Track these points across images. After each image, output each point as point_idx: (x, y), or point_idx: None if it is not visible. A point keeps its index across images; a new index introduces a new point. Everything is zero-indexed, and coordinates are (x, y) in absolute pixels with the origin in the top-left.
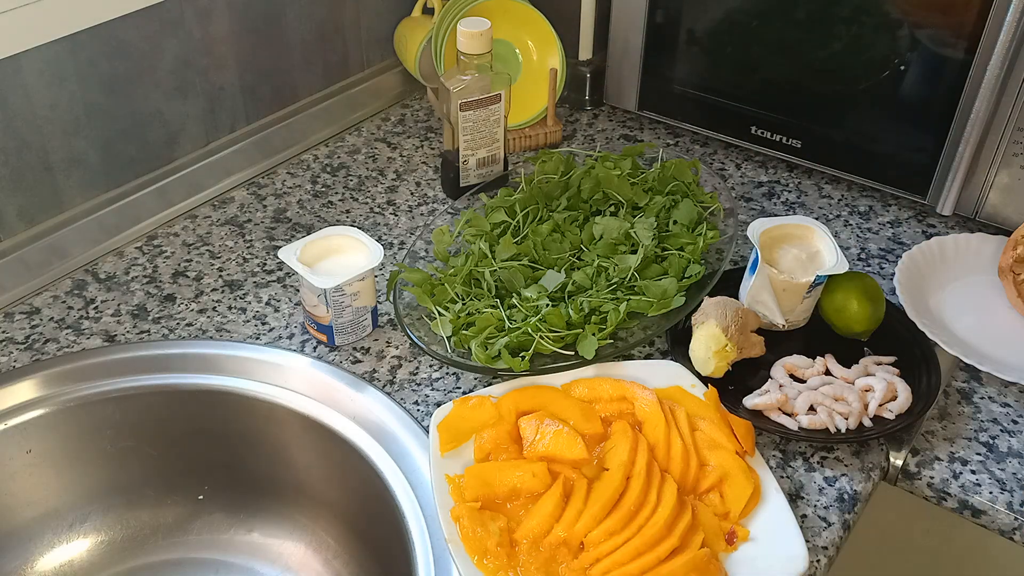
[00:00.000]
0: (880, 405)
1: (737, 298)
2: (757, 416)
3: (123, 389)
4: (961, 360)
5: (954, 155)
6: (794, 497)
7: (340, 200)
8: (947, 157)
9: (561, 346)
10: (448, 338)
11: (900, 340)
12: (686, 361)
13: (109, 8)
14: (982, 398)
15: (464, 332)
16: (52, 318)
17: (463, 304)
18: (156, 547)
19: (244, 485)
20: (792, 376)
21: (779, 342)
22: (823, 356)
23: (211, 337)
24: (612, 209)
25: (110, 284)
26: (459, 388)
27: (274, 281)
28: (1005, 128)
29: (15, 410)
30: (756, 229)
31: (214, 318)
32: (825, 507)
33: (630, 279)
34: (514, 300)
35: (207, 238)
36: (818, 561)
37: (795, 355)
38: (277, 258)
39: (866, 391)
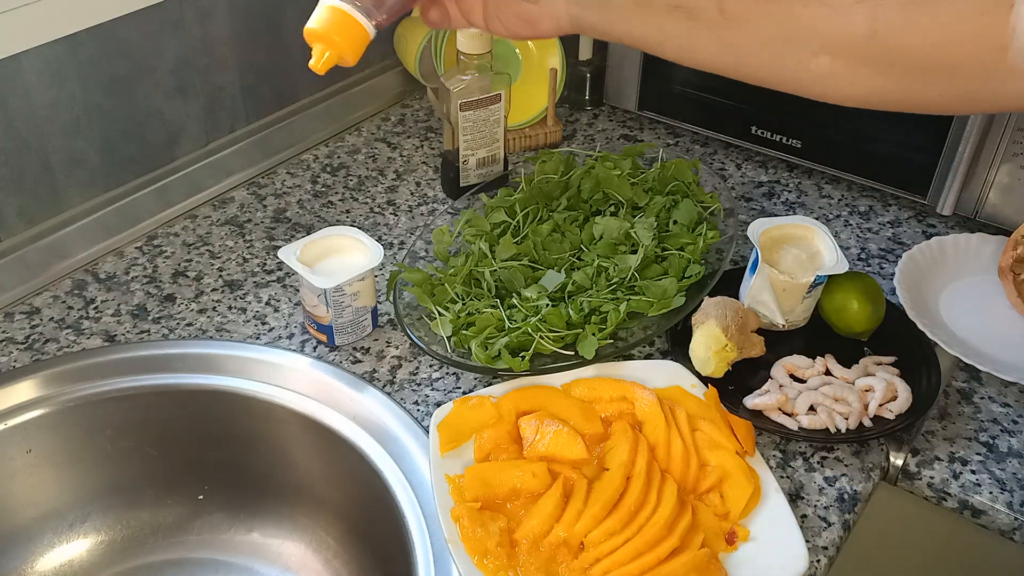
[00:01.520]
0: (880, 405)
1: (737, 298)
2: (757, 416)
3: (123, 389)
4: (961, 360)
5: (954, 155)
6: (794, 497)
7: (340, 200)
8: (947, 157)
9: (561, 346)
10: (448, 338)
11: (900, 340)
12: (686, 361)
13: (109, 8)
14: (982, 398)
15: (464, 332)
16: (52, 318)
17: (463, 304)
18: (156, 547)
19: (244, 485)
20: (792, 376)
21: (779, 342)
22: (823, 356)
23: (211, 337)
24: (612, 209)
25: (110, 284)
26: (459, 388)
27: (274, 281)
28: (1005, 128)
29: (15, 410)
30: (756, 229)
31: (214, 318)
32: (825, 507)
33: (630, 279)
34: (514, 300)
35: (207, 238)
36: (818, 561)
37: (795, 355)
38: (277, 258)
39: (866, 391)
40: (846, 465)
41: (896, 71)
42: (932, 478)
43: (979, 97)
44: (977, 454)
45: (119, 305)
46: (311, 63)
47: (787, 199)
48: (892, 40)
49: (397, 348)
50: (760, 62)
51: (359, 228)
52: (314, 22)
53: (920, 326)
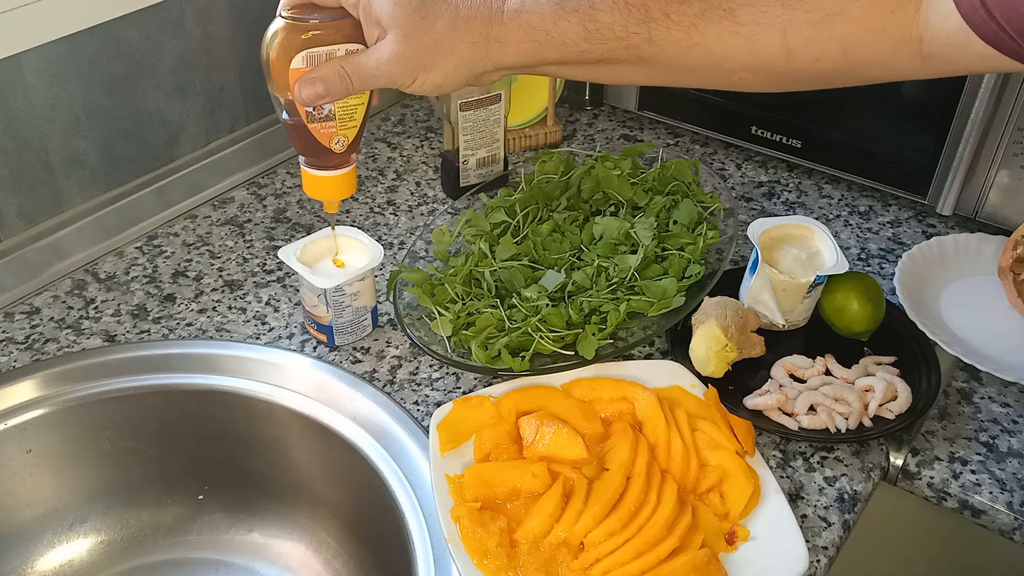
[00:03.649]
0: (880, 405)
1: (737, 298)
2: (757, 416)
3: (123, 389)
4: (961, 360)
5: (954, 155)
6: (794, 497)
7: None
8: (947, 157)
9: (561, 346)
10: (448, 338)
11: (900, 340)
12: (686, 361)
13: (109, 8)
14: (982, 398)
15: (464, 332)
16: (52, 318)
17: (463, 304)
18: (156, 547)
19: (244, 485)
20: (792, 376)
21: (779, 342)
22: (823, 356)
23: (211, 337)
24: (612, 209)
25: (110, 284)
26: (459, 388)
27: (274, 281)
28: (1005, 128)
29: (15, 410)
30: (756, 229)
31: (214, 318)
32: (825, 507)
33: (630, 279)
34: (514, 300)
35: (207, 238)
36: (818, 561)
37: (795, 355)
38: (277, 258)
39: (866, 391)
40: (846, 465)
41: (815, 76)
42: (932, 478)
43: (893, 77)
44: (977, 454)
45: (119, 305)
46: (327, 210)
47: (787, 199)
48: (807, 53)
49: (397, 348)
50: (685, 81)
51: (359, 228)
52: (305, 187)
53: (920, 326)
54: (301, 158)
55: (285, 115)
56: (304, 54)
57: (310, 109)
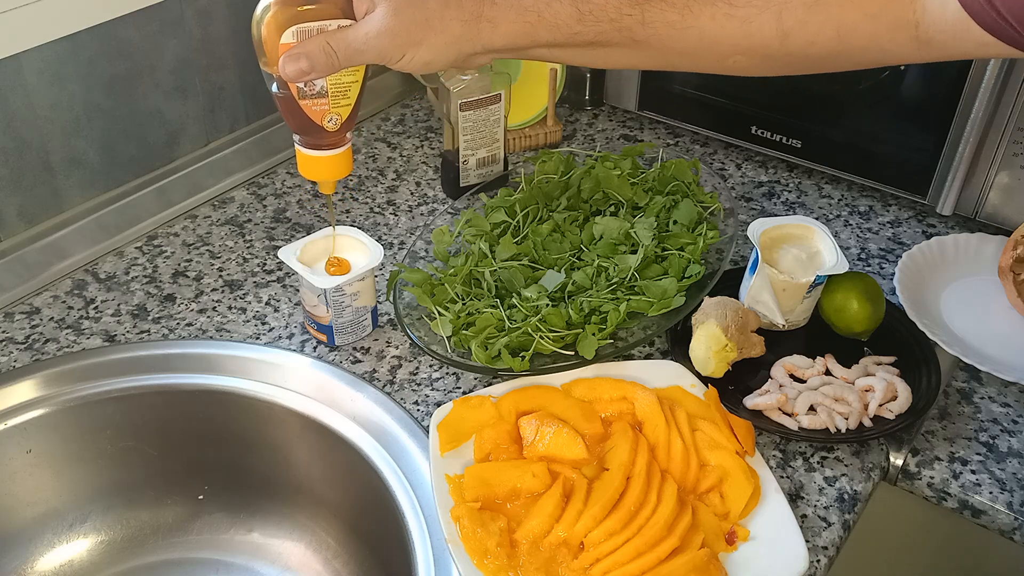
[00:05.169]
0: (880, 405)
1: (737, 298)
2: (757, 416)
3: (123, 389)
4: (961, 360)
5: (954, 155)
6: (794, 497)
7: (340, 200)
8: (947, 157)
9: (561, 346)
10: (448, 338)
11: (900, 340)
12: (686, 361)
13: (109, 8)
14: (982, 398)
15: (464, 332)
16: (52, 318)
17: (463, 304)
18: (156, 547)
19: (244, 485)
20: (792, 376)
21: (779, 342)
22: (823, 356)
23: (211, 337)
24: (612, 209)
25: (110, 284)
26: (459, 388)
27: (274, 281)
28: (1005, 128)
29: (15, 410)
30: (756, 229)
31: (214, 318)
32: (825, 507)
33: (630, 279)
34: (514, 300)
35: (207, 238)
36: (818, 561)
37: (795, 355)
38: (277, 258)
39: (866, 391)
40: (846, 465)
41: (810, 59)
42: (932, 478)
43: (890, 61)
44: (977, 454)
45: (119, 305)
46: (323, 191)
47: (787, 199)
48: (802, 36)
49: (397, 348)
50: (678, 64)
51: (359, 228)
52: (300, 167)
53: (920, 326)
54: (295, 137)
55: (275, 88)
56: (294, 28)
57: (301, 85)
